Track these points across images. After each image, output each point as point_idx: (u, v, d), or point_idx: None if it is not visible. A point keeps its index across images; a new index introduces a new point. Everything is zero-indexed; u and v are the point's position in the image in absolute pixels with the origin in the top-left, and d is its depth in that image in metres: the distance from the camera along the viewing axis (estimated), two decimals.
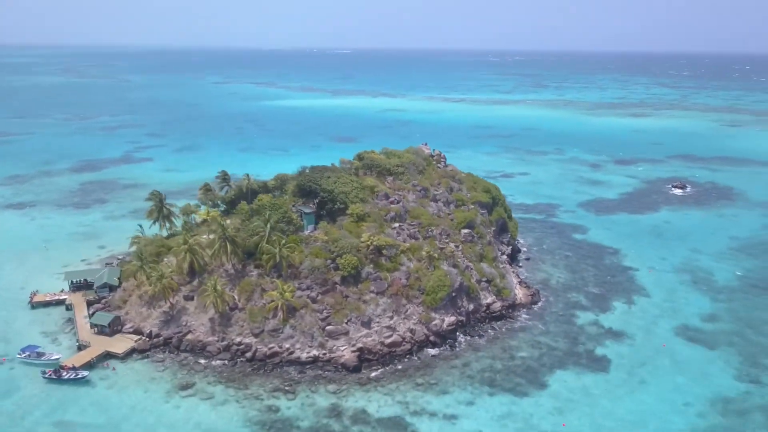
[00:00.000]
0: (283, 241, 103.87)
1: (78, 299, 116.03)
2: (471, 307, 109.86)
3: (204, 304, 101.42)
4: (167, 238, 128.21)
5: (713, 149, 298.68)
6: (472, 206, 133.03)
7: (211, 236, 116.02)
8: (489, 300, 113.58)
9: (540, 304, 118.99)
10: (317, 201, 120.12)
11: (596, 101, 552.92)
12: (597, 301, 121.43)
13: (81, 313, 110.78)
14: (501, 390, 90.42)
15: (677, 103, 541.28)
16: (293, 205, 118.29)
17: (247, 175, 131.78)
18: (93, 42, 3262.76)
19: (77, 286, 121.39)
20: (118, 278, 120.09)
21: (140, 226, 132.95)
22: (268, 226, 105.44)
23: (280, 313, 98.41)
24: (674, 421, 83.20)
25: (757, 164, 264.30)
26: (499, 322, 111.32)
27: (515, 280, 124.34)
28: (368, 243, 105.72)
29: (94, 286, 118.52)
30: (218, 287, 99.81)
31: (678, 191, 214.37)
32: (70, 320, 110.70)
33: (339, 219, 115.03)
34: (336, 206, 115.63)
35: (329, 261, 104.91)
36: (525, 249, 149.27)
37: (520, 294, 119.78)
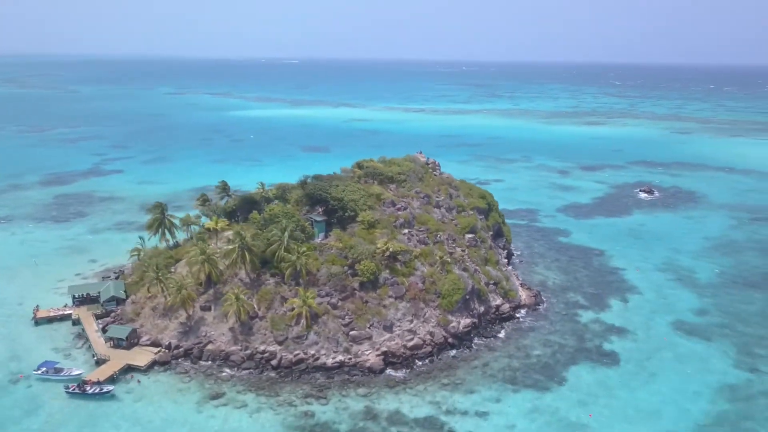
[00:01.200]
0: (303, 249, 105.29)
1: (85, 314, 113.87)
2: (482, 309, 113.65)
3: (225, 313, 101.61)
4: (171, 249, 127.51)
5: (669, 155, 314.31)
6: (471, 212, 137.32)
7: (220, 244, 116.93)
8: (498, 302, 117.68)
9: (543, 305, 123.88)
10: (322, 209, 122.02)
11: (551, 110, 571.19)
12: (594, 300, 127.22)
13: (91, 327, 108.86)
14: (523, 386, 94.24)
15: (627, 111, 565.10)
16: (303, 214, 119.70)
17: (262, 183, 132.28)
18: (24, 51, 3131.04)
19: (81, 301, 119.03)
20: (124, 291, 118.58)
21: (141, 238, 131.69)
22: (286, 234, 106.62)
23: (303, 320, 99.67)
24: (688, 409, 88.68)
25: (712, 169, 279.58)
26: (507, 323, 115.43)
27: (517, 282, 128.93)
28: (384, 249, 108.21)
29: (101, 300, 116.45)
30: (241, 296, 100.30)
31: (645, 195, 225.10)
32: (80, 335, 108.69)
33: (349, 226, 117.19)
34: (346, 214, 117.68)
35: (346, 267, 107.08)
36: (518, 253, 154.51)
37: (523, 296, 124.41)
